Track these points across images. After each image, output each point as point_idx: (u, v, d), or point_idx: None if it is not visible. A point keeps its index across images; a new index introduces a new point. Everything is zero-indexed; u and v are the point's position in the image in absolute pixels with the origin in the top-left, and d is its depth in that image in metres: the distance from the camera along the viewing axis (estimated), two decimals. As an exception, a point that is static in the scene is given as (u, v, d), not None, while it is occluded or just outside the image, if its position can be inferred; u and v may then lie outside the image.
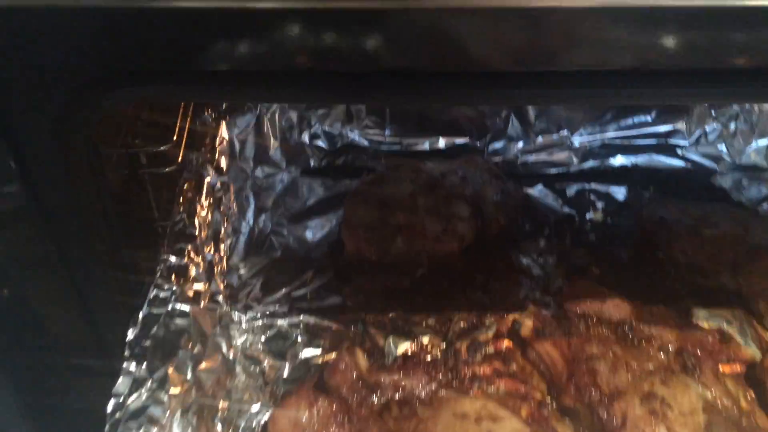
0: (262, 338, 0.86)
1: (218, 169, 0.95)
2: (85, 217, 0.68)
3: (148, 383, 0.66)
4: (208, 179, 0.91)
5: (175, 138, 0.87)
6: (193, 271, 0.80)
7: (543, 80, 0.60)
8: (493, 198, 1.01)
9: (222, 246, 0.89)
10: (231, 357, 0.80)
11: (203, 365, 0.73)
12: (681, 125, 1.11)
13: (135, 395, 0.66)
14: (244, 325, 0.87)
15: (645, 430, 0.76)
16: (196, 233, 0.82)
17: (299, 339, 0.87)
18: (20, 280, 0.73)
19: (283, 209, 1.03)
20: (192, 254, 0.80)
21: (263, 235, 0.99)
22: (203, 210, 0.87)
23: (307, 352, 0.86)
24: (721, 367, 0.86)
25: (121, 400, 0.65)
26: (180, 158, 0.89)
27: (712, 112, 1.10)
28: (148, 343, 0.69)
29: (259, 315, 0.88)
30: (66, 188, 0.65)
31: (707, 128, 1.11)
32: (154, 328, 0.70)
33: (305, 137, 1.08)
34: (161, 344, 0.69)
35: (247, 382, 0.81)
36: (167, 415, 0.66)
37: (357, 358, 0.82)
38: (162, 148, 0.85)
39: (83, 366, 0.82)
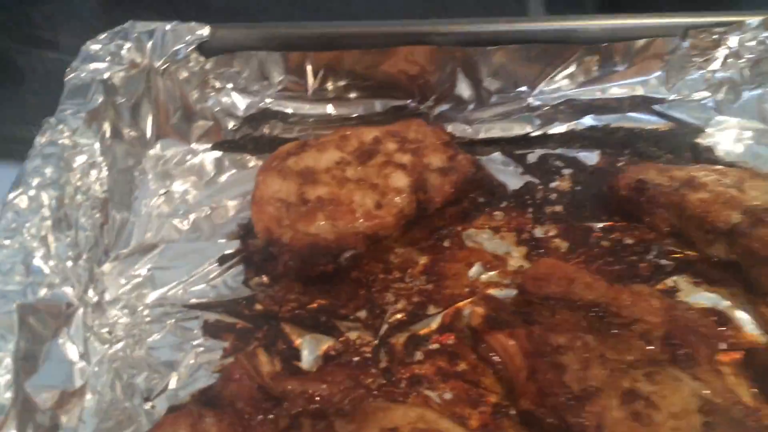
0: (144, 343, 0.68)
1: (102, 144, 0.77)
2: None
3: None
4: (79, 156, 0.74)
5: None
6: (39, 262, 0.62)
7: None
8: (438, 165, 0.84)
9: (89, 233, 0.70)
10: (87, 370, 0.62)
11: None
12: (658, 74, 0.94)
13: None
14: (120, 330, 0.69)
15: (626, 437, 0.59)
16: (46, 213, 0.64)
17: (194, 341, 0.69)
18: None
19: (187, 190, 0.86)
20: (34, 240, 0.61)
21: (159, 220, 0.82)
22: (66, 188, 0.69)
23: (203, 357, 0.68)
24: (718, 356, 0.70)
25: None
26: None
27: (693, 57, 0.94)
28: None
29: (142, 313, 0.71)
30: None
31: (688, 78, 0.95)
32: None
33: (212, 103, 0.90)
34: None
35: (117, 399, 0.63)
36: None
37: (258, 362, 0.65)
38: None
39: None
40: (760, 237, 0.75)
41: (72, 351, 0.60)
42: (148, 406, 0.64)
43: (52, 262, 0.61)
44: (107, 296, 0.71)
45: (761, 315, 0.75)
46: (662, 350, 0.67)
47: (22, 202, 0.63)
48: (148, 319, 0.71)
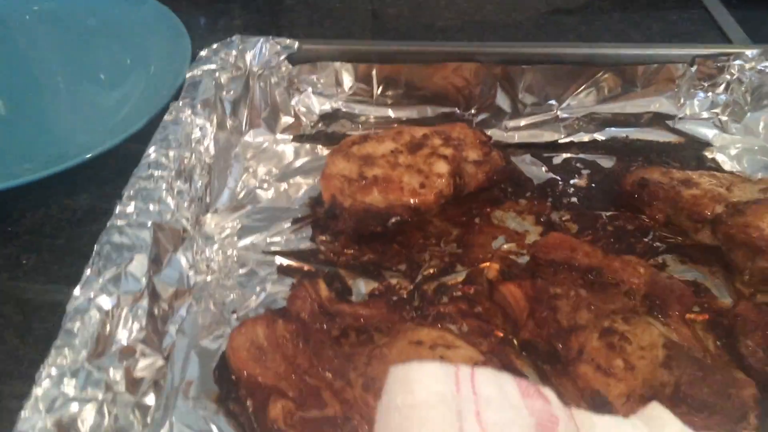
0: (232, 275, 0.89)
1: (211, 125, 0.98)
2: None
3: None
4: (195, 131, 0.95)
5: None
6: (166, 198, 0.83)
7: None
8: (474, 158, 1.02)
9: (199, 187, 0.92)
10: (194, 283, 0.83)
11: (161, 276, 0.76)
12: (669, 95, 1.11)
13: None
14: (215, 265, 0.89)
15: (600, 361, 0.75)
16: (172, 166, 0.86)
17: (270, 277, 0.89)
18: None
19: (271, 169, 1.07)
20: (163, 183, 0.83)
21: (248, 189, 1.02)
22: (184, 151, 0.90)
23: (276, 288, 0.88)
24: (691, 315, 0.85)
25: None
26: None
27: (700, 82, 1.10)
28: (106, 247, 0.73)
29: (232, 253, 0.91)
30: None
31: (696, 99, 1.11)
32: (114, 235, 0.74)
33: (295, 102, 1.12)
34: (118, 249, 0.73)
35: (211, 310, 0.83)
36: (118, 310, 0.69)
37: (319, 288, 0.84)
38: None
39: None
40: (737, 224, 0.90)
41: (184, 263, 0.81)
42: (234, 317, 0.84)
43: (175, 201, 0.82)
44: (207, 238, 0.92)
45: (735, 290, 0.90)
46: (641, 304, 0.83)
47: (156, 155, 0.85)
48: (236, 259, 0.91)
